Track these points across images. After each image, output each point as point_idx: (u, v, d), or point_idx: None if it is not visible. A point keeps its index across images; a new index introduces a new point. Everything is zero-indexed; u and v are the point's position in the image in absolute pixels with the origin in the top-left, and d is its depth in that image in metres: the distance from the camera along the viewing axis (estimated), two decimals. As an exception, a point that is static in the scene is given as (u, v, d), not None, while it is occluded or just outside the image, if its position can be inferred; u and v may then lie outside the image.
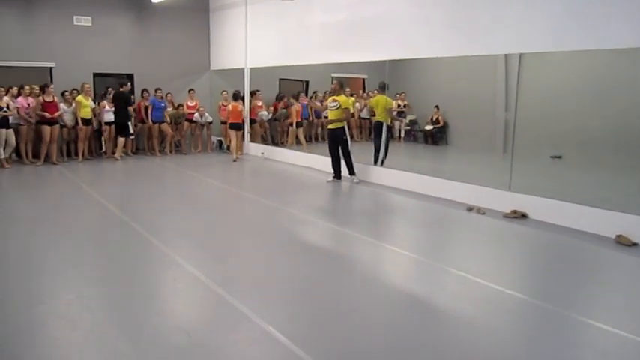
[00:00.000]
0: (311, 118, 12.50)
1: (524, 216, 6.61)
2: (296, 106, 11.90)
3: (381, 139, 9.00)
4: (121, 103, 10.98)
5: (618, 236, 5.63)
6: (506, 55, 7.46)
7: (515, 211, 6.66)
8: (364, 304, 4.02)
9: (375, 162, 9.10)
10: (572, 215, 6.15)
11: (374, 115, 9.74)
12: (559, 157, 8.08)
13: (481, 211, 6.87)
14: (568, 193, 6.39)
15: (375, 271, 4.89)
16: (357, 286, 4.42)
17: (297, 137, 12.00)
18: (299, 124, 11.92)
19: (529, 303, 4.07)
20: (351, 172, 8.94)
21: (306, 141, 12.35)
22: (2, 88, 9.61)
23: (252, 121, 12.41)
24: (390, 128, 9.24)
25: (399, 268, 5.01)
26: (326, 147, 9.30)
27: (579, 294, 4.38)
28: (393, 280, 4.67)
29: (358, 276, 4.67)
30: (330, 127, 9.02)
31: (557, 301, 4.06)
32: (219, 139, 12.97)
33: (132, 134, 11.29)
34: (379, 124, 9.05)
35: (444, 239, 6.09)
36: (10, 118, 9.71)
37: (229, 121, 11.60)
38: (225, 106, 12.00)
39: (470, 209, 7.00)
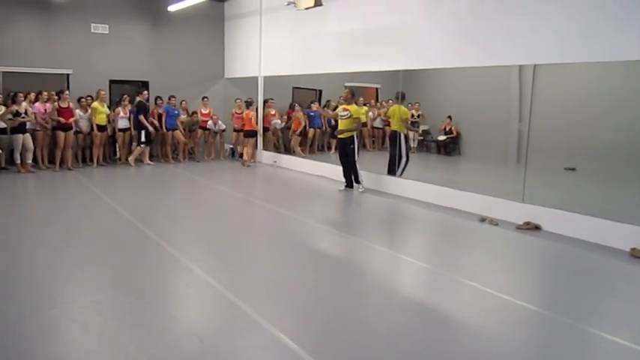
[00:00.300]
0: (324, 127, 12.54)
1: (537, 227, 6.55)
2: (298, 114, 11.96)
3: (396, 148, 8.97)
4: (137, 111, 11.11)
5: (633, 249, 5.55)
6: (520, 66, 7.44)
7: (528, 223, 6.60)
8: (375, 312, 4.01)
9: (389, 172, 9.08)
10: (586, 227, 6.09)
11: (388, 125, 9.73)
12: (573, 169, 8.02)
13: (494, 222, 6.82)
14: (582, 205, 6.33)
15: (386, 279, 4.87)
16: (368, 294, 4.41)
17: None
18: (301, 132, 11.99)
19: (540, 314, 4.03)
20: (357, 180, 8.91)
21: (318, 150, 12.42)
22: (21, 94, 9.78)
23: (265, 129, 12.49)
24: (406, 138, 9.22)
25: (410, 278, 5.00)
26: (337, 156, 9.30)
27: (592, 306, 4.33)
28: (404, 289, 4.65)
29: (369, 284, 4.66)
30: (339, 136, 9.01)
31: (569, 313, 4.01)
32: (232, 146, 13.05)
33: (142, 142, 11.33)
34: (395, 134, 9.04)
35: (455, 249, 6.05)
36: (28, 124, 9.88)
37: (245, 129, 11.71)
38: (239, 114, 12.09)
39: (482, 220, 6.95)
